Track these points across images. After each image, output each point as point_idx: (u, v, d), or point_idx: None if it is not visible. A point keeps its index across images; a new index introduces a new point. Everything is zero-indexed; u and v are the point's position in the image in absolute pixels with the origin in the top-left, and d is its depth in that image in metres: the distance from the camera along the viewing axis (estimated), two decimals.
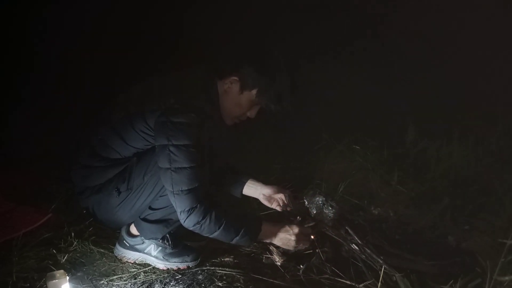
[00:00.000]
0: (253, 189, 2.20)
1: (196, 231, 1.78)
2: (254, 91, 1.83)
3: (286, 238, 1.91)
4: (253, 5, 4.22)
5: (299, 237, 1.92)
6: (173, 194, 1.74)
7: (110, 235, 2.15)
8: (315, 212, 2.10)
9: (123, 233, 2.00)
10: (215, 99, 1.87)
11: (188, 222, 1.75)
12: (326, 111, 3.77)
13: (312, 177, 2.81)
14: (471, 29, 3.89)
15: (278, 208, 2.16)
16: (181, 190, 1.73)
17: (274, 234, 1.91)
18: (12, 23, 3.66)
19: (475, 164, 2.82)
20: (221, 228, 1.77)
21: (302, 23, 4.42)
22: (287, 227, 1.92)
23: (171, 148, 1.72)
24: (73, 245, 2.04)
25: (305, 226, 2.06)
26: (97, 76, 3.62)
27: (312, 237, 1.99)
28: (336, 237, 1.97)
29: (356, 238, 1.92)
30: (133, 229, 1.99)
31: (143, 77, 1.99)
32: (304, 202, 2.18)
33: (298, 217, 2.13)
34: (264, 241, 1.95)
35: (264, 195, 2.19)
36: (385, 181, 2.77)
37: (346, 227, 1.98)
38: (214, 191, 1.89)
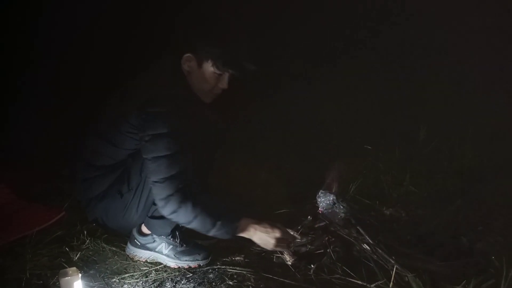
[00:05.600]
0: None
1: (174, 220, 1.80)
2: (210, 62, 1.82)
3: (265, 239, 1.89)
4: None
5: (278, 241, 1.89)
6: (153, 183, 1.76)
7: (122, 234, 2.17)
8: (326, 211, 2.09)
9: (134, 232, 2.01)
10: (185, 82, 1.88)
11: (165, 210, 1.76)
12: (338, 110, 3.76)
13: (323, 177, 2.80)
14: (482, 27, 3.86)
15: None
16: (159, 179, 1.75)
17: (254, 232, 1.88)
18: (12, 23, 3.70)
19: (488, 164, 2.79)
20: (197, 218, 1.77)
21: (309, 25, 4.43)
22: (268, 229, 1.89)
23: (147, 138, 1.76)
24: (86, 243, 2.06)
25: (316, 225, 2.06)
26: (102, 75, 3.65)
27: (296, 240, 1.99)
28: (347, 237, 1.95)
29: (368, 238, 1.90)
30: (144, 228, 2.00)
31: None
32: (316, 202, 2.18)
33: (309, 217, 2.12)
34: (243, 236, 1.91)
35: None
36: (397, 181, 2.75)
37: (357, 227, 1.97)
38: (197, 181, 1.86)
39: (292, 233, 2.06)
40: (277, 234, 1.89)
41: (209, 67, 1.84)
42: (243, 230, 1.88)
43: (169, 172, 1.74)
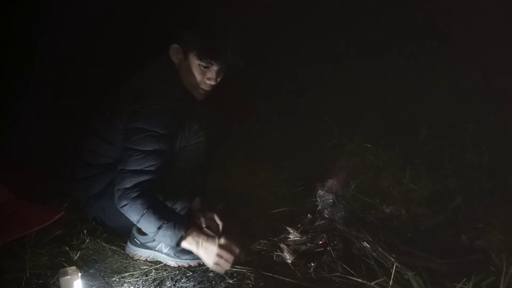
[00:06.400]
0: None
1: (124, 213, 1.80)
2: (194, 53, 1.83)
3: (211, 257, 1.74)
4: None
5: (222, 262, 1.74)
6: (118, 171, 1.79)
7: (121, 233, 2.17)
8: (326, 210, 2.09)
9: (134, 231, 2.01)
10: (177, 79, 1.90)
11: (119, 201, 1.78)
12: (337, 109, 3.76)
13: (323, 175, 2.80)
14: (483, 26, 3.86)
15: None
16: (123, 169, 1.77)
17: (200, 246, 1.75)
18: (12, 23, 3.71)
19: (489, 162, 2.78)
20: (142, 218, 1.75)
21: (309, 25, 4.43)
22: (215, 242, 1.74)
23: (128, 127, 1.80)
24: (86, 243, 2.06)
25: (316, 224, 2.05)
26: (102, 75, 3.65)
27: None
28: (347, 235, 1.96)
29: (368, 236, 1.90)
30: None
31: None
32: (316, 200, 2.18)
33: (309, 215, 2.12)
34: (188, 247, 1.78)
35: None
36: (397, 179, 2.74)
37: (358, 225, 1.97)
38: (159, 184, 1.84)
39: (291, 231, 2.06)
40: (225, 254, 1.74)
41: (194, 59, 1.85)
42: (189, 239, 1.76)
43: (133, 166, 1.77)
